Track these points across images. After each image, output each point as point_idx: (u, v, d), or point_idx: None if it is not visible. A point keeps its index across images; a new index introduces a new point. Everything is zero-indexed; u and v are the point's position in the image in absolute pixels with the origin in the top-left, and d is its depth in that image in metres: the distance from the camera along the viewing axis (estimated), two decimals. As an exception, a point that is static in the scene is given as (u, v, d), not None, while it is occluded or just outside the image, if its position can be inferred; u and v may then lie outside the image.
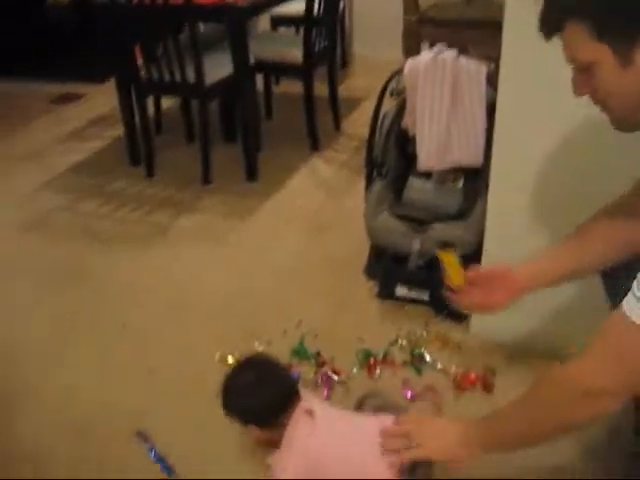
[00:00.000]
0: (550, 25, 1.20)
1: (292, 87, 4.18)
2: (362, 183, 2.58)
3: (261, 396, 1.62)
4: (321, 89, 3.79)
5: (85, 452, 1.86)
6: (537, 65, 1.78)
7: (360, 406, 1.76)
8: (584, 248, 1.60)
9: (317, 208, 3.12)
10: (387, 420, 1.55)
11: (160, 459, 1.80)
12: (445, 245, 1.61)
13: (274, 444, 1.63)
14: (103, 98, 4.54)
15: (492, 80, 2.19)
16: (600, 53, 1.14)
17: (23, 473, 1.80)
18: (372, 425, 1.54)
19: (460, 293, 1.63)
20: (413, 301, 2.37)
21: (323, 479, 1.55)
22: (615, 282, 1.56)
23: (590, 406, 1.26)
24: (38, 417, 1.99)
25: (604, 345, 1.24)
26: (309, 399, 1.66)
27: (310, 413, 1.59)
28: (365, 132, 2.51)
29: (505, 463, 1.65)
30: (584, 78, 1.21)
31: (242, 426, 1.70)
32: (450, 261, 1.60)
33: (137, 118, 3.43)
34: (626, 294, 1.19)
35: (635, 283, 1.18)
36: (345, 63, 5.19)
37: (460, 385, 2.01)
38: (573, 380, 1.27)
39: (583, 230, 1.60)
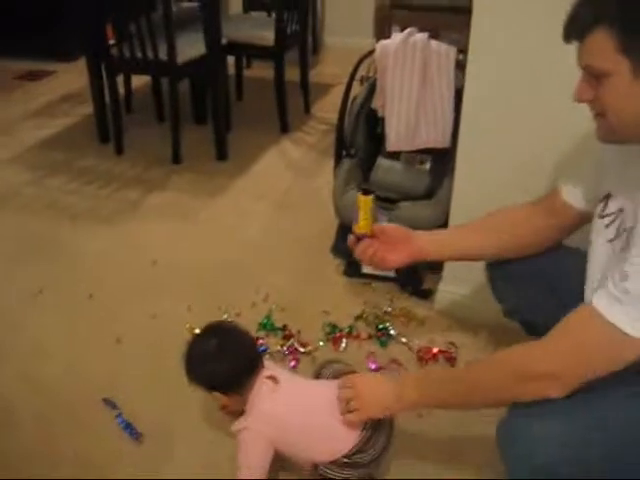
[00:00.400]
0: (579, 27, 1.21)
1: (263, 71, 4.22)
2: (330, 165, 2.62)
3: (225, 361, 1.62)
4: (292, 74, 3.82)
5: (51, 414, 1.88)
6: (504, 51, 1.83)
7: (319, 373, 1.78)
8: (491, 232, 1.70)
9: (286, 187, 3.15)
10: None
11: (128, 425, 1.83)
12: (367, 191, 1.61)
13: (239, 412, 1.65)
14: (72, 76, 4.53)
15: (461, 64, 2.25)
16: (619, 65, 1.17)
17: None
18: (331, 390, 1.58)
19: (362, 242, 1.67)
20: (379, 278, 2.42)
21: (285, 442, 1.58)
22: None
23: (529, 388, 1.30)
24: (4, 376, 2.01)
25: (568, 335, 1.28)
26: (271, 367, 1.69)
27: (273, 379, 1.62)
28: (334, 117, 2.54)
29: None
30: (591, 85, 1.23)
31: (207, 393, 1.70)
32: (365, 206, 1.61)
33: (107, 96, 3.43)
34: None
35: (610, 281, 1.23)
36: (316, 50, 5.22)
37: (423, 358, 2.06)
38: (523, 360, 1.32)
39: (500, 214, 1.69)
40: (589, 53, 1.21)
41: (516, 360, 1.34)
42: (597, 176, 1.47)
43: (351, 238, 1.70)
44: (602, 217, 1.40)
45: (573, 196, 1.55)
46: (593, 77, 1.22)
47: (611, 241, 1.36)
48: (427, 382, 1.49)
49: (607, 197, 1.40)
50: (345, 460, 1.53)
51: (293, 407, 1.61)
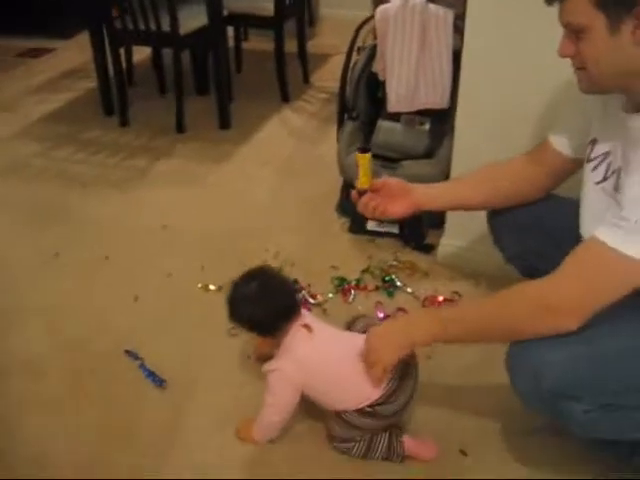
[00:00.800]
0: None
1: (260, 44, 4.31)
2: (332, 132, 2.71)
3: (263, 305, 1.66)
4: (289, 46, 3.87)
5: (76, 365, 1.97)
6: (502, 12, 1.92)
7: (351, 326, 1.84)
8: (486, 182, 1.80)
9: (289, 154, 3.24)
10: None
11: (151, 373, 1.92)
12: (364, 150, 1.72)
13: (269, 359, 1.71)
14: (72, 53, 4.59)
15: (459, 26, 2.33)
16: (595, 20, 1.28)
17: (17, 383, 1.91)
18: (360, 342, 1.63)
19: (364, 196, 1.77)
20: (383, 234, 2.52)
21: (313, 387, 1.66)
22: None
23: (547, 321, 1.37)
24: (30, 332, 2.10)
25: (576, 267, 1.36)
26: (307, 315, 1.75)
27: (307, 327, 1.68)
28: (334, 86, 2.65)
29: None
30: (572, 41, 1.34)
31: (248, 333, 1.77)
32: (364, 163, 1.72)
33: (110, 68, 3.49)
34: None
35: (609, 214, 1.32)
36: (312, 22, 5.26)
37: (429, 306, 2.16)
38: (537, 294, 1.39)
39: (495, 166, 1.80)
40: (568, 11, 1.32)
41: (533, 295, 1.40)
42: (583, 124, 1.57)
43: (354, 194, 1.80)
44: (589, 161, 1.51)
45: (561, 144, 1.65)
46: (573, 33, 1.33)
47: (599, 183, 1.46)
48: (447, 321, 1.52)
49: (593, 142, 1.51)
50: (368, 410, 1.61)
51: (324, 355, 1.68)
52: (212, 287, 2.27)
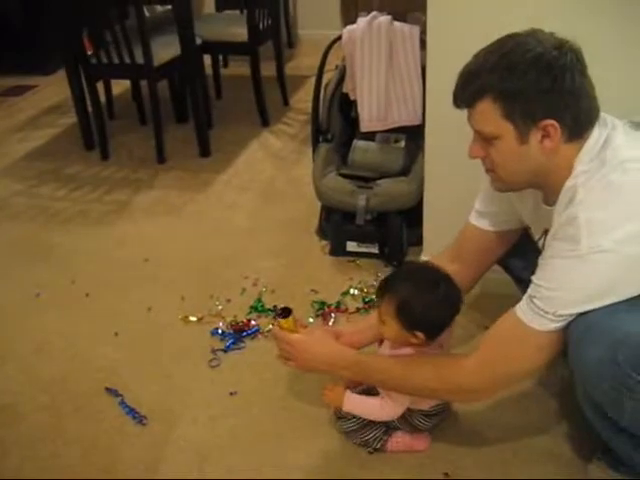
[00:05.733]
0: (468, 96, 1.38)
1: (240, 69, 4.31)
2: (310, 153, 2.70)
3: (447, 310, 1.61)
4: (269, 69, 3.91)
5: (55, 404, 1.96)
6: (461, 23, 1.92)
7: None
8: None
9: (268, 178, 3.24)
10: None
11: (131, 410, 1.91)
12: (284, 314, 1.75)
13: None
14: (54, 89, 4.60)
15: (425, 41, 2.33)
16: (504, 130, 1.36)
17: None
18: None
19: None
20: (364, 255, 2.51)
21: None
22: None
23: (458, 396, 1.63)
24: (9, 372, 2.09)
25: (491, 346, 1.49)
26: None
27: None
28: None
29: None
30: (481, 145, 1.42)
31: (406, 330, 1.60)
32: (288, 327, 1.75)
33: (89, 103, 3.50)
34: None
35: (530, 289, 1.40)
36: (291, 43, 5.30)
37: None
38: (449, 377, 1.53)
39: None
40: (478, 120, 1.39)
41: (447, 375, 1.53)
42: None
43: None
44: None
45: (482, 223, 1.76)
46: (483, 139, 1.40)
47: None
48: (360, 368, 1.64)
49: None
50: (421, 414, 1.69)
51: None
52: (192, 318, 2.26)
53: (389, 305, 1.58)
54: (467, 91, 1.38)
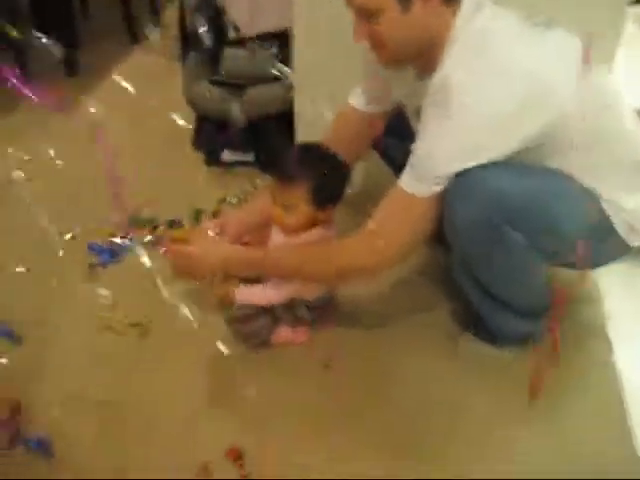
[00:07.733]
0: None
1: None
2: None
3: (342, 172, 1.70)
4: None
5: None
6: None
7: None
8: None
9: (139, 96, 3.11)
10: None
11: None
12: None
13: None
14: None
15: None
16: (386, 1, 1.36)
17: None
18: None
19: None
20: (240, 163, 2.49)
21: None
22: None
23: (351, 275, 1.62)
24: None
25: (378, 219, 1.50)
26: None
27: None
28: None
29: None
30: (364, 24, 1.41)
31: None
32: (181, 237, 1.79)
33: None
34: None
35: (410, 158, 1.44)
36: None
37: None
38: (337, 260, 1.56)
39: None
40: None
41: (337, 255, 1.57)
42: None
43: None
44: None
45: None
46: (365, 17, 1.40)
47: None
48: (258, 264, 1.67)
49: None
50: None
51: None
52: (67, 236, 2.19)
53: (300, 188, 1.61)
54: None
